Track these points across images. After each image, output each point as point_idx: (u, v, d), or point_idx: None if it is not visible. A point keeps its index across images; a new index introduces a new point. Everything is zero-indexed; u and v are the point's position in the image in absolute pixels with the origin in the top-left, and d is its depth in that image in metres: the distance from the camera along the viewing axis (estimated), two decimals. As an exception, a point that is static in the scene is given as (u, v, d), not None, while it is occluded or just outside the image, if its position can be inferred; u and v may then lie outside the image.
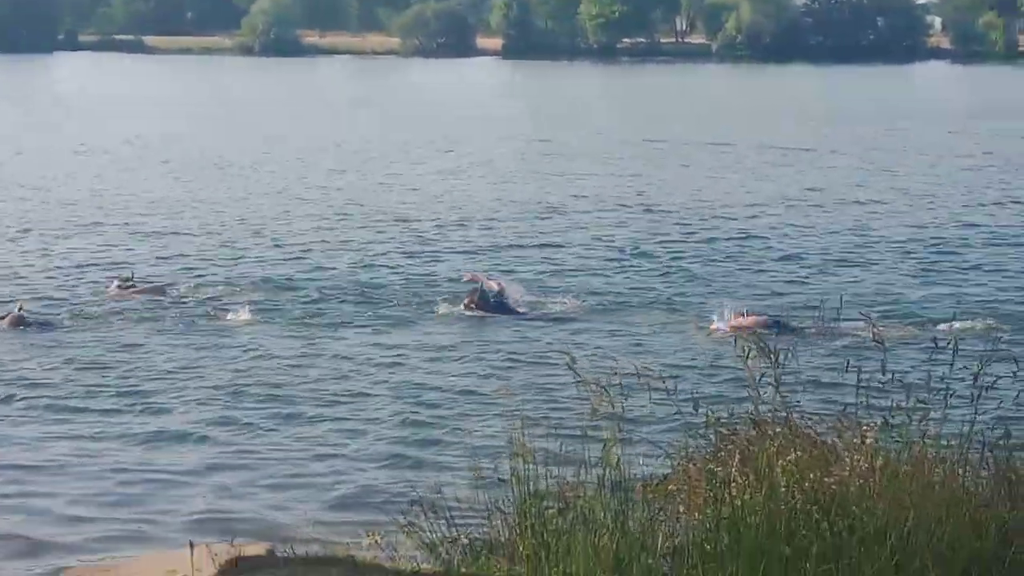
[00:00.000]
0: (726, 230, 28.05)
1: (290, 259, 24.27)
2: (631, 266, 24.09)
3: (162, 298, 20.66)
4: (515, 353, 17.40)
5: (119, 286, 20.94)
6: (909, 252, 25.67)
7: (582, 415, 8.77)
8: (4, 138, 47.44)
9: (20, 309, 18.84)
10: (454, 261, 24.27)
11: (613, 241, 26.57)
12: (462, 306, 19.92)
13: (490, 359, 17.10)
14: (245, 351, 17.41)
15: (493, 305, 19.90)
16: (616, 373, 8.40)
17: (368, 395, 15.27)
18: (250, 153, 43.41)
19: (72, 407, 14.87)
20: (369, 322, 19.30)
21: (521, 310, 20.08)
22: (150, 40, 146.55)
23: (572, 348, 16.40)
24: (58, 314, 19.51)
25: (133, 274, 21.50)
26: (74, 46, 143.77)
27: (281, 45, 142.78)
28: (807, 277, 23.16)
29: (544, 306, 20.41)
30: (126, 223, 28.24)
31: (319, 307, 20.21)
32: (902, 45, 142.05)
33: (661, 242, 26.53)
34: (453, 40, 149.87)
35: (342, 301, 20.66)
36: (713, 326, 18.60)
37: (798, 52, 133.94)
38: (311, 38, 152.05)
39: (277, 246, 25.66)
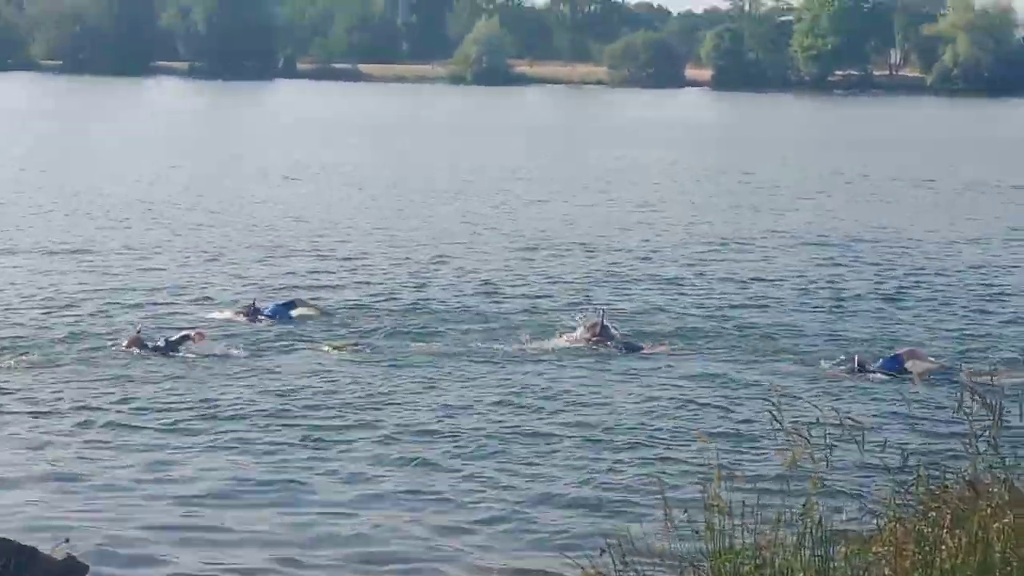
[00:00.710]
0: (911, 270, 26.93)
1: (462, 289, 23.99)
2: (811, 305, 23.15)
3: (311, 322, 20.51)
4: (687, 393, 16.75)
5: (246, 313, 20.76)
6: None
7: (779, 465, 8.32)
8: (214, 162, 48.63)
9: (139, 331, 19.20)
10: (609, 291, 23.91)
11: (791, 280, 25.58)
12: (585, 338, 19.27)
13: (661, 398, 16.44)
14: (418, 383, 17.18)
15: (617, 339, 19.27)
16: (819, 422, 7.96)
17: (542, 433, 14.79)
18: (445, 181, 43.68)
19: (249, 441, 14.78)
20: (526, 356, 18.79)
21: (641, 345, 19.38)
22: (366, 68, 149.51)
23: (757, 390, 15.91)
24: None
25: (254, 302, 21.02)
26: (292, 74, 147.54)
27: (492, 74, 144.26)
28: (999, 321, 21.91)
29: (680, 342, 19.69)
30: (315, 249, 28.42)
31: (477, 335, 19.91)
32: None
33: (843, 282, 25.50)
34: (662, 70, 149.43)
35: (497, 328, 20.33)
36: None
37: (1018, 85, 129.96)
38: (522, 67, 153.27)
39: (453, 275, 25.41)
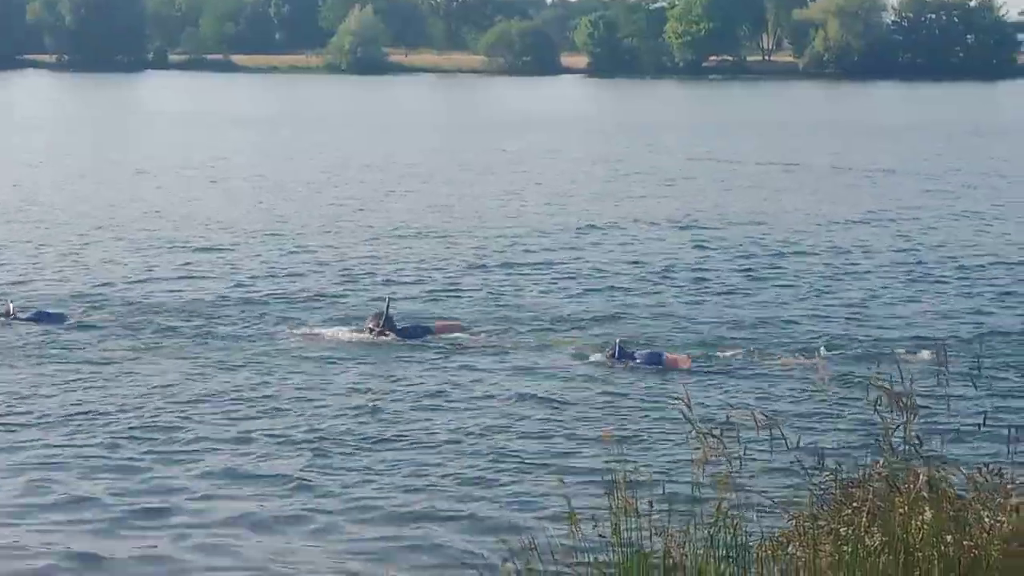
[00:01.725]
0: (769, 253, 26.96)
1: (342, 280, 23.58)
2: (670, 290, 22.98)
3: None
4: (614, 396, 16.15)
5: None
6: (985, 276, 24.52)
7: (689, 465, 8.00)
8: (73, 156, 47.44)
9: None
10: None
11: (654, 265, 25.45)
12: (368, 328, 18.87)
13: (585, 402, 15.89)
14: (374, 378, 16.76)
15: (398, 330, 18.87)
16: (729, 420, 7.66)
17: (451, 441, 14.18)
18: (308, 172, 43.03)
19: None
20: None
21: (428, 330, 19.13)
22: (238, 59, 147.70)
23: (669, 392, 15.59)
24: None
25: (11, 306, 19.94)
26: (164, 65, 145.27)
27: (367, 63, 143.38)
28: (859, 308, 21.88)
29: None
30: (154, 244, 27.70)
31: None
32: (992, 63, 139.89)
33: (701, 266, 25.45)
34: (538, 58, 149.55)
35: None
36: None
37: (887, 69, 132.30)
38: (397, 57, 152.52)
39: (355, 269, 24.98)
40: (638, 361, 17.32)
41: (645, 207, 34.32)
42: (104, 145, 53.19)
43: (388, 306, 19.17)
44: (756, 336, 19.17)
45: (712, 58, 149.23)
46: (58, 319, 19.69)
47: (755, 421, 7.53)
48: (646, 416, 14.96)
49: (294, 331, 19.19)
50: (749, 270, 25.07)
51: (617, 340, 17.70)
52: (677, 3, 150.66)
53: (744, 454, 7.51)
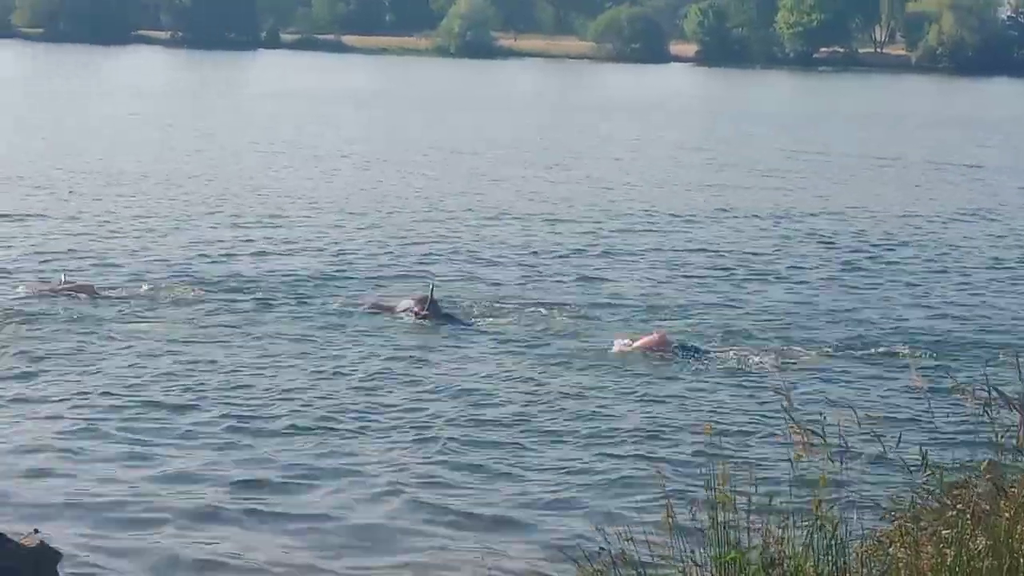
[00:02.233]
0: (859, 247, 26.59)
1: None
2: (777, 284, 22.67)
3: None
4: (704, 392, 15.95)
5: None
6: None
7: (788, 461, 7.89)
8: (190, 134, 48.02)
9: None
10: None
11: (743, 257, 25.15)
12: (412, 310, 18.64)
13: (676, 396, 15.67)
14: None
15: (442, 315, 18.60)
16: (825, 418, 7.55)
17: (548, 432, 14.05)
18: (415, 153, 43.20)
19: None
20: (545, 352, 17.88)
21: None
22: (349, 40, 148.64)
23: (765, 386, 15.42)
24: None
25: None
26: (276, 44, 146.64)
27: (476, 47, 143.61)
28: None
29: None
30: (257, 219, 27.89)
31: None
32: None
33: (796, 259, 25.12)
34: (647, 46, 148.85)
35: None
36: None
37: (1001, 65, 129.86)
38: (506, 41, 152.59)
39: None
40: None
41: (736, 197, 34.01)
42: (210, 121, 53.76)
43: (432, 290, 18.90)
44: (851, 332, 18.90)
45: (823, 49, 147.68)
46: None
47: (855, 419, 7.41)
48: (743, 409, 14.82)
49: (353, 307, 19.10)
50: (848, 264, 24.79)
51: None
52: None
53: (843, 452, 7.39)
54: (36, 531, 9.75)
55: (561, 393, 15.37)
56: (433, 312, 18.48)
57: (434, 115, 60.62)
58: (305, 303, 19.55)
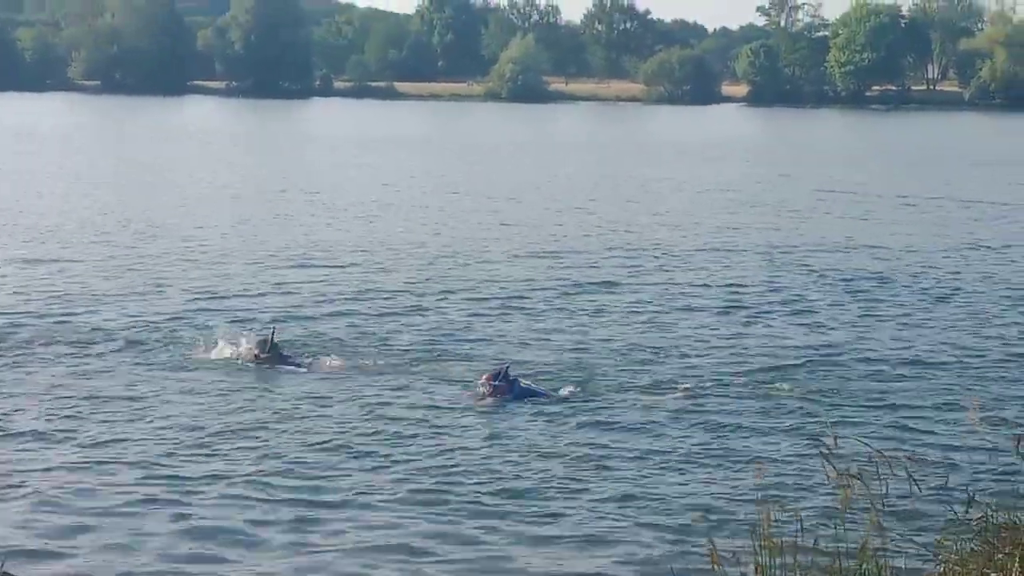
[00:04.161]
0: (897, 287, 26.28)
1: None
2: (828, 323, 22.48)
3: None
4: (757, 423, 15.82)
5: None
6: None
7: (832, 500, 7.88)
8: (249, 181, 48.47)
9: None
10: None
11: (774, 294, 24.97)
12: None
13: (697, 429, 15.55)
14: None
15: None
16: (871, 459, 7.53)
17: (595, 470, 13.93)
18: (467, 199, 43.38)
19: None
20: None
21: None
22: (401, 86, 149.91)
23: (807, 425, 15.37)
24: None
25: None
26: (329, 92, 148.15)
27: (527, 91, 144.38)
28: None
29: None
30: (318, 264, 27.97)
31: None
32: None
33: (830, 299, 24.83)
34: (698, 87, 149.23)
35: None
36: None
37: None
38: (557, 84, 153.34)
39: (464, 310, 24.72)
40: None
41: (749, 237, 33.64)
42: (263, 168, 54.25)
43: (273, 334, 18.79)
44: (900, 372, 18.71)
45: (875, 87, 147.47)
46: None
47: (907, 461, 7.40)
48: (786, 450, 14.70)
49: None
50: (900, 303, 24.58)
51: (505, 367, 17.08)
52: (840, 32, 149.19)
53: (889, 493, 7.38)
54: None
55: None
56: (273, 356, 18.42)
57: (472, 159, 60.98)
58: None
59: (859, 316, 23.14)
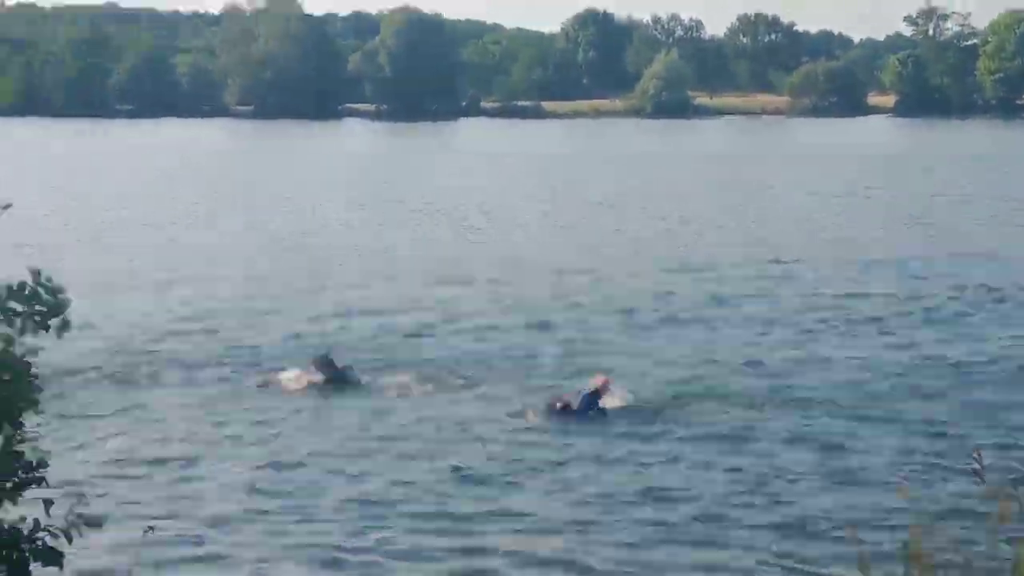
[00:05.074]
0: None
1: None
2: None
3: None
4: (900, 438, 16.06)
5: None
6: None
7: (981, 518, 8.42)
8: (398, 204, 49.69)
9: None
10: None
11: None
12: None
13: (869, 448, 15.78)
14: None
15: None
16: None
17: (743, 491, 14.28)
18: (571, 212, 44.03)
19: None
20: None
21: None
22: (547, 105, 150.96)
23: (955, 440, 15.67)
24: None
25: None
26: (477, 112, 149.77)
27: (671, 106, 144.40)
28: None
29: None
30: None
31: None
32: None
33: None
34: (844, 98, 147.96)
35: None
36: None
37: None
38: (701, 99, 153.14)
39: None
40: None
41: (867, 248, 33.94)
42: (416, 188, 55.49)
43: (329, 352, 19.42)
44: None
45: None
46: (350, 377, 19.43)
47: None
48: (936, 467, 14.91)
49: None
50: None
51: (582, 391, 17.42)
52: (990, 40, 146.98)
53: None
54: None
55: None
56: (333, 375, 18.92)
57: (606, 174, 61.71)
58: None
59: (992, 326, 23.03)
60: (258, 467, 15.19)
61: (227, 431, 16.86)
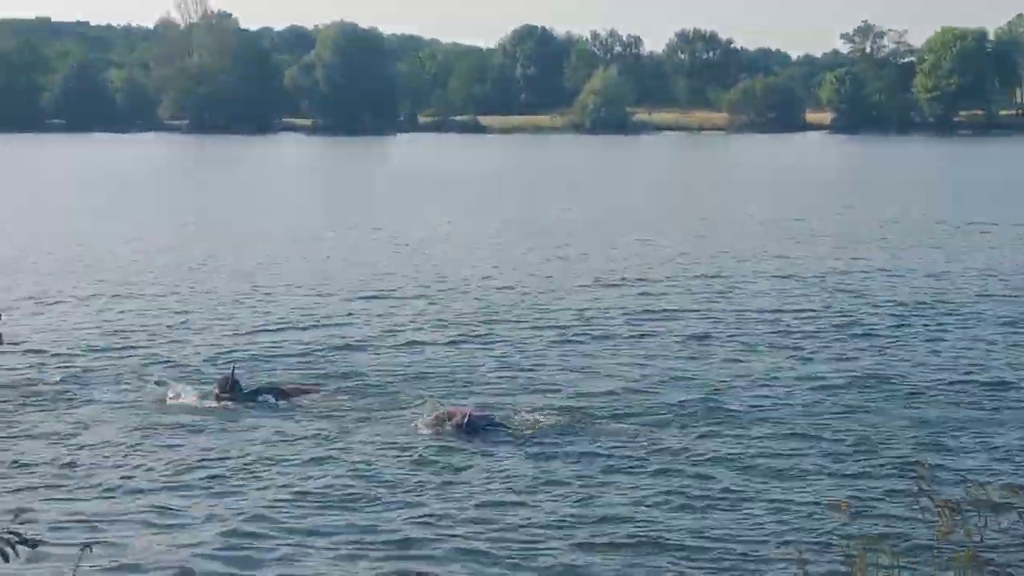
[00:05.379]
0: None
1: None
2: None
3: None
4: (835, 454, 15.79)
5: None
6: None
7: (926, 535, 7.98)
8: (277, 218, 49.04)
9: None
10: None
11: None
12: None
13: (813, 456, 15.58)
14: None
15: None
16: (968, 492, 7.64)
17: (675, 509, 14.03)
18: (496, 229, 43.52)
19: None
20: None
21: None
22: (485, 120, 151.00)
23: (899, 456, 15.26)
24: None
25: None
26: (414, 127, 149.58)
27: (610, 122, 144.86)
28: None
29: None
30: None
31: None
32: None
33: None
34: (782, 115, 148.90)
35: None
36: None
37: None
38: (640, 115, 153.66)
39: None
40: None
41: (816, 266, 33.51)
42: (330, 204, 54.88)
43: (233, 372, 18.65)
44: (993, 402, 18.56)
45: (962, 113, 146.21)
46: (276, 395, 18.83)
47: (1011, 492, 7.50)
48: (877, 483, 14.58)
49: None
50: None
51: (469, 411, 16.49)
52: (927, 58, 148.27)
53: (986, 527, 7.48)
54: None
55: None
56: (236, 394, 18.27)
57: (534, 192, 61.35)
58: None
59: (926, 341, 22.85)
60: (164, 487, 14.36)
61: (132, 450, 15.93)
